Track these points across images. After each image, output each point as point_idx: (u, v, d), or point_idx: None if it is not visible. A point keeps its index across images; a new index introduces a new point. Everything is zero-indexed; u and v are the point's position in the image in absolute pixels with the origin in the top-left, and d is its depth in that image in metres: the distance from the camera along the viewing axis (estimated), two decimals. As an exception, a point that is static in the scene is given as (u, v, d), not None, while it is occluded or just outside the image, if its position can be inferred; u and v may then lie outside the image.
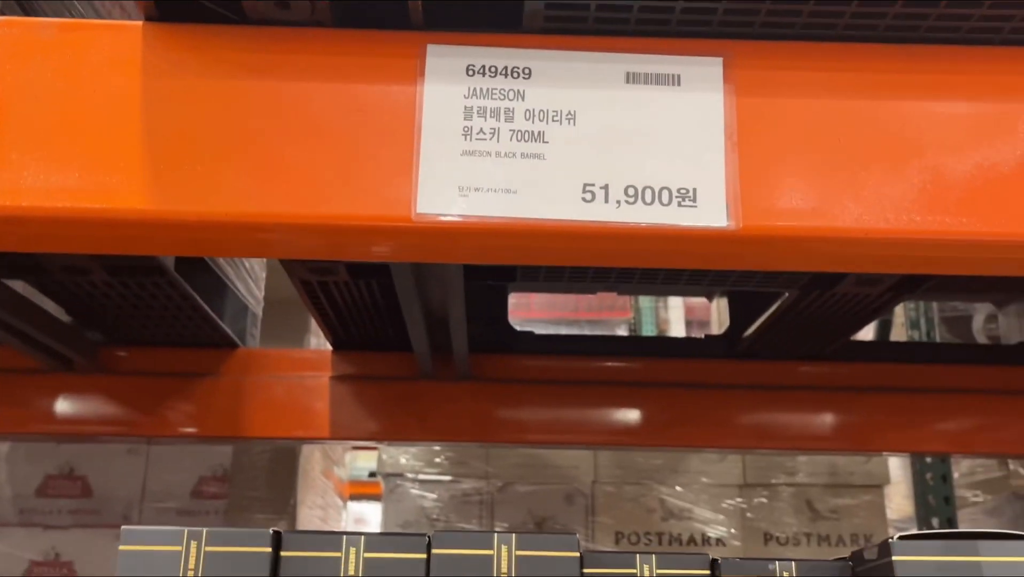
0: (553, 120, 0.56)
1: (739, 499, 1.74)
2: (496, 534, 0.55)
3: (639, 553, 0.59)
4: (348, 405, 1.19)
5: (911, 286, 0.98)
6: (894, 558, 0.53)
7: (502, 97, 0.56)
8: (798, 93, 0.57)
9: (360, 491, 3.65)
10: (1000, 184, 0.56)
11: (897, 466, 2.01)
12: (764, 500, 1.74)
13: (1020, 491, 1.78)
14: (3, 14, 0.60)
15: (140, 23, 0.57)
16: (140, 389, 1.19)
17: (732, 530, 1.73)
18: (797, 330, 1.12)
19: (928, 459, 1.93)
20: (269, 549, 0.55)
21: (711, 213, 0.54)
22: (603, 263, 0.61)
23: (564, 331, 2.45)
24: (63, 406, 1.19)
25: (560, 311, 2.81)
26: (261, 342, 1.32)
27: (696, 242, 0.55)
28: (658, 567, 0.58)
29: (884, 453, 1.63)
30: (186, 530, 0.55)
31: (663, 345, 1.52)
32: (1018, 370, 1.25)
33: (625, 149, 0.55)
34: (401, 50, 0.57)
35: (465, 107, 0.56)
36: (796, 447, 1.36)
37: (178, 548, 0.54)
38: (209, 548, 0.54)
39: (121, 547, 0.54)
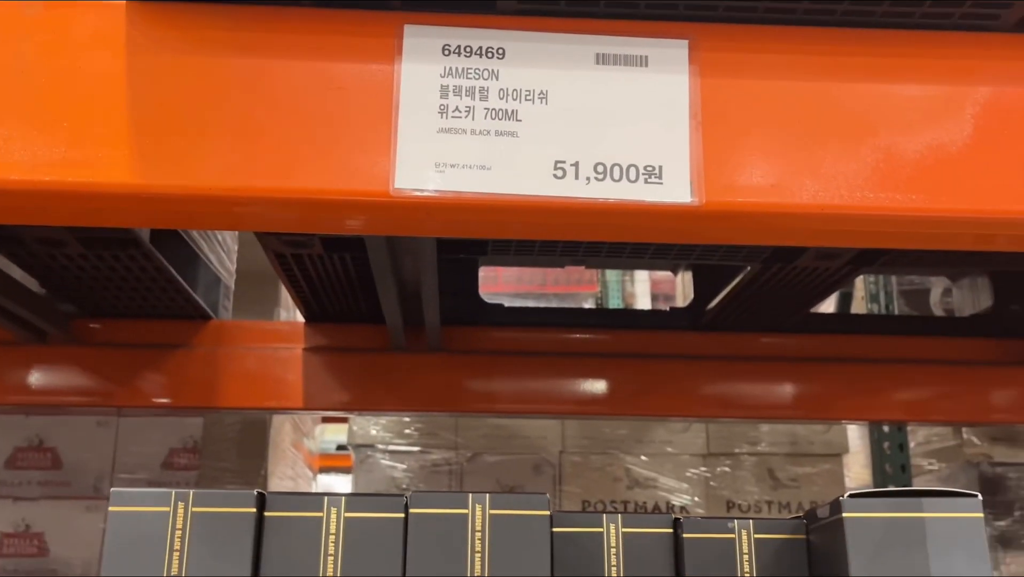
0: (526, 99, 0.58)
1: (703, 468, 1.78)
2: (471, 494, 0.58)
3: (606, 514, 0.62)
4: (320, 376, 1.21)
5: (868, 260, 1.01)
6: (844, 515, 0.57)
7: (477, 76, 0.59)
8: (759, 75, 0.60)
9: (329, 464, 3.67)
10: (948, 163, 0.59)
11: (856, 436, 2.06)
12: (727, 469, 1.78)
13: (973, 459, 1.83)
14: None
15: (123, 1, 0.58)
16: (114, 360, 1.20)
17: (696, 498, 1.77)
18: (759, 302, 1.15)
19: (885, 429, 1.98)
20: (254, 510, 0.58)
21: (676, 189, 0.57)
22: (573, 237, 0.63)
23: (532, 304, 2.47)
24: (36, 377, 1.20)
25: (527, 285, 2.83)
26: (233, 314, 1.33)
27: (661, 217, 0.58)
28: (623, 526, 0.61)
29: (842, 421, 1.67)
30: (174, 492, 0.57)
31: (629, 317, 1.55)
32: (970, 341, 1.30)
33: (595, 128, 0.58)
34: (379, 29, 0.59)
35: (441, 86, 0.58)
36: (758, 416, 1.40)
37: (166, 509, 0.56)
38: (196, 509, 0.57)
39: (111, 508, 0.56)
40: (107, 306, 1.18)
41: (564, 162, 0.57)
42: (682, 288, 1.58)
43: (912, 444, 2.00)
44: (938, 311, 1.82)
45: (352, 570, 0.57)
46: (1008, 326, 1.27)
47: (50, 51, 0.57)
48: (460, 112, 0.58)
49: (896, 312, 2.02)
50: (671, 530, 0.62)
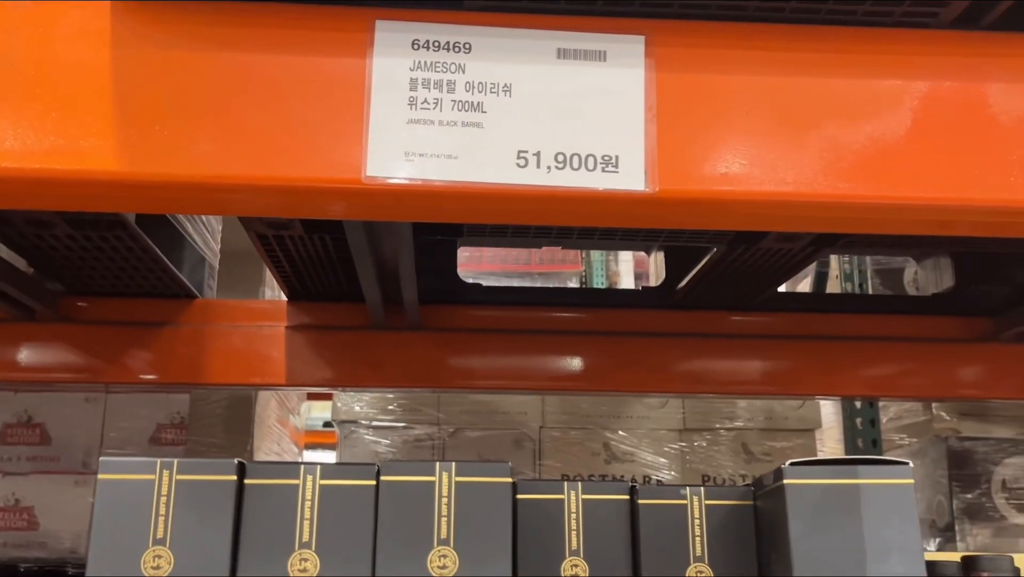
0: (491, 92, 0.62)
1: (681, 443, 1.83)
2: (438, 462, 0.62)
3: (567, 481, 0.66)
4: (304, 353, 1.24)
5: (828, 241, 1.05)
6: (785, 481, 0.61)
7: (444, 70, 0.62)
8: (712, 69, 0.64)
9: (315, 440, 3.72)
10: (888, 153, 0.63)
11: (831, 412, 2.11)
12: (704, 444, 1.83)
13: (942, 434, 1.88)
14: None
15: None
16: (101, 338, 1.22)
17: (673, 473, 1.82)
18: (727, 282, 1.19)
19: (858, 404, 2.03)
20: (234, 477, 0.61)
21: (631, 178, 0.61)
22: (537, 222, 0.67)
23: (515, 283, 2.51)
24: (25, 355, 1.23)
25: (512, 264, 2.87)
26: (217, 293, 1.36)
27: (618, 204, 0.62)
28: (583, 493, 0.65)
29: (811, 396, 1.71)
30: (159, 460, 0.61)
31: (603, 296, 1.59)
32: (934, 319, 1.34)
33: (556, 119, 0.62)
34: (352, 24, 0.63)
35: (411, 79, 0.62)
36: (730, 392, 1.43)
37: (151, 476, 0.60)
38: (180, 476, 0.60)
39: (100, 476, 0.60)
40: (95, 285, 1.21)
41: (527, 152, 0.61)
42: (655, 268, 1.62)
43: (884, 420, 2.05)
44: (912, 290, 1.86)
45: (327, 534, 0.61)
46: (969, 304, 1.31)
47: (39, 45, 0.61)
48: (429, 104, 0.61)
49: (870, 291, 2.07)
50: (628, 497, 0.66)
